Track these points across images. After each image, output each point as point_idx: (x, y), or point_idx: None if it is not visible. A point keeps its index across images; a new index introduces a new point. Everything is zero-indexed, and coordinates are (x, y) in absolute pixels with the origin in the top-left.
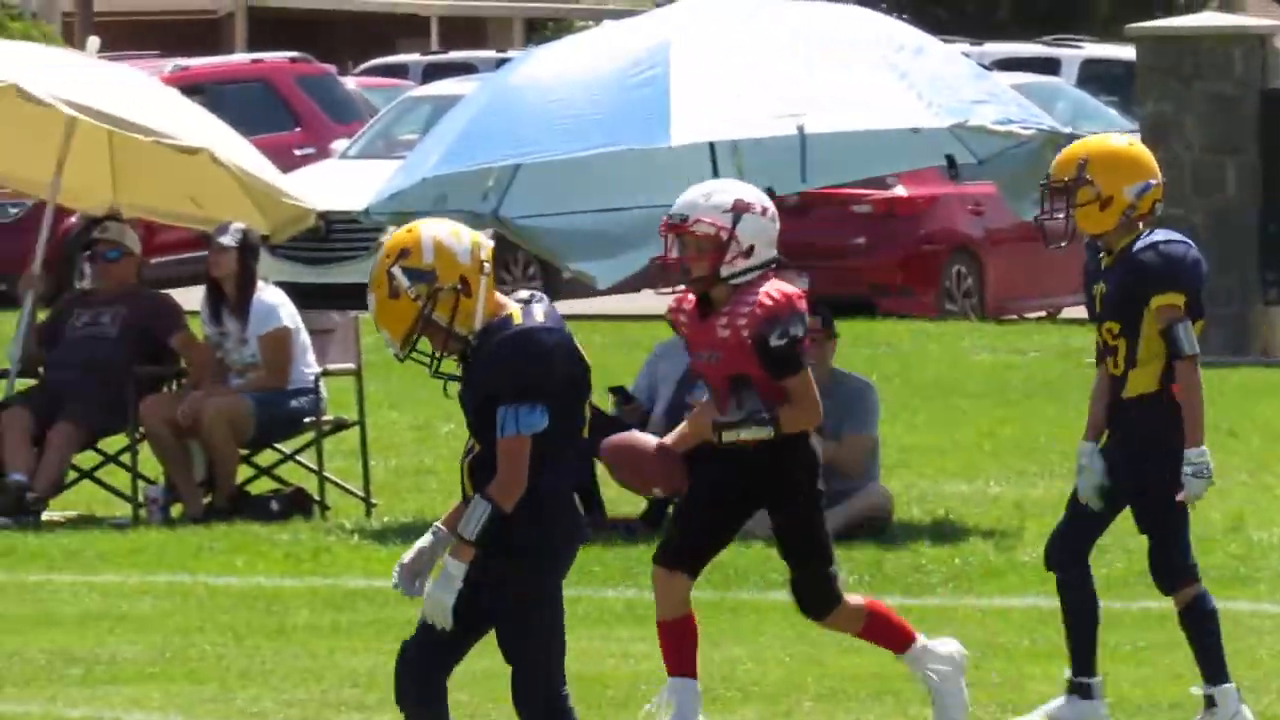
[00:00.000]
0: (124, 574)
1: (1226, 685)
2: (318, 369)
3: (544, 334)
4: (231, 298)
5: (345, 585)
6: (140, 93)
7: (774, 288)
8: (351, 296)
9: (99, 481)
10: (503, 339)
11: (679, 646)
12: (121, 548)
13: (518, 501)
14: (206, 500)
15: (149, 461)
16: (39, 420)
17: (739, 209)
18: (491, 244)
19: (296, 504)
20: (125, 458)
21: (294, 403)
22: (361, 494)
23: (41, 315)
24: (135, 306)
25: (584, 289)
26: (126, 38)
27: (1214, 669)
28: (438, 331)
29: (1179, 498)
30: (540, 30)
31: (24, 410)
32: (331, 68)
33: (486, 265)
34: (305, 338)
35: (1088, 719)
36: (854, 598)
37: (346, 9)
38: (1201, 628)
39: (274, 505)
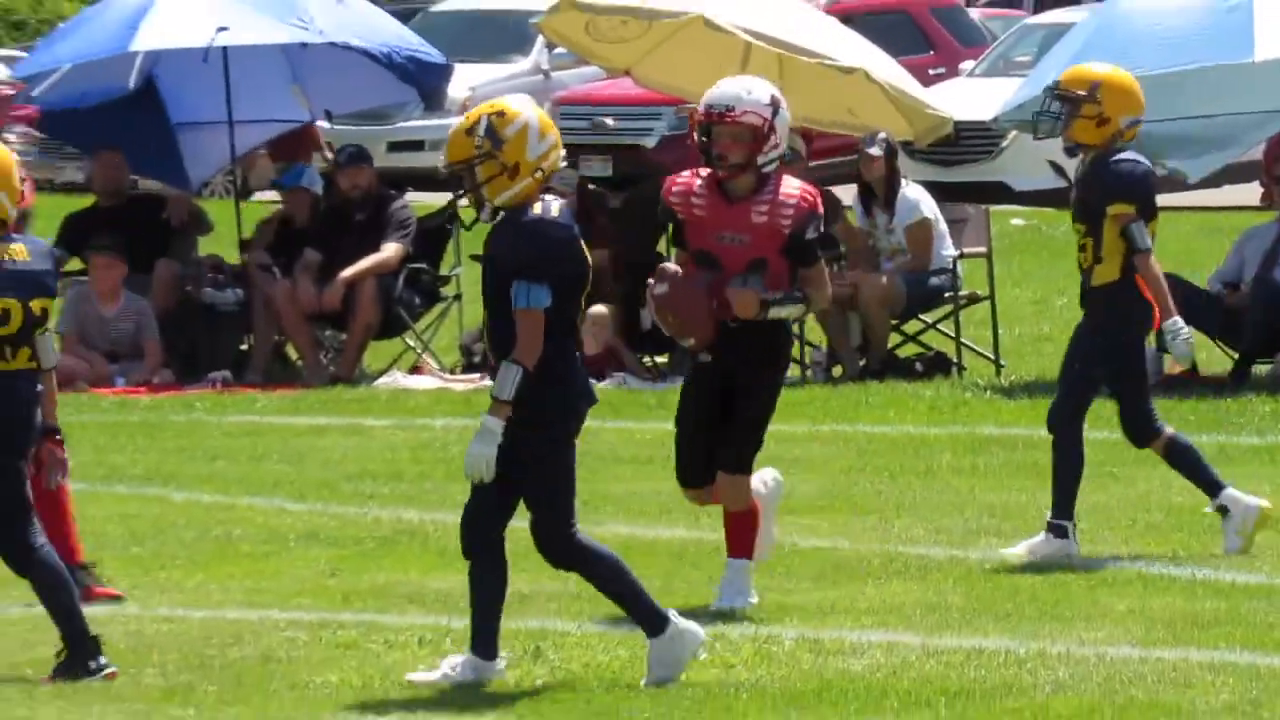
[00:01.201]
0: (793, 424)
1: (1227, 490)
2: (954, 252)
3: (553, 226)
4: (880, 195)
5: (980, 432)
6: (805, 22)
7: (804, 186)
8: (980, 192)
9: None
10: (521, 223)
11: (734, 532)
12: (790, 401)
13: (537, 372)
14: (862, 362)
15: (814, 329)
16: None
17: (776, 104)
18: (564, 163)
19: (938, 365)
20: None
21: (934, 280)
22: (992, 357)
23: None
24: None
25: (1176, 184)
26: None
27: (1211, 486)
28: (472, 182)
29: (1169, 368)
30: None
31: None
32: (959, 0)
33: (542, 171)
34: (943, 226)
35: (1060, 554)
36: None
37: None
38: (1185, 459)
39: (918, 366)
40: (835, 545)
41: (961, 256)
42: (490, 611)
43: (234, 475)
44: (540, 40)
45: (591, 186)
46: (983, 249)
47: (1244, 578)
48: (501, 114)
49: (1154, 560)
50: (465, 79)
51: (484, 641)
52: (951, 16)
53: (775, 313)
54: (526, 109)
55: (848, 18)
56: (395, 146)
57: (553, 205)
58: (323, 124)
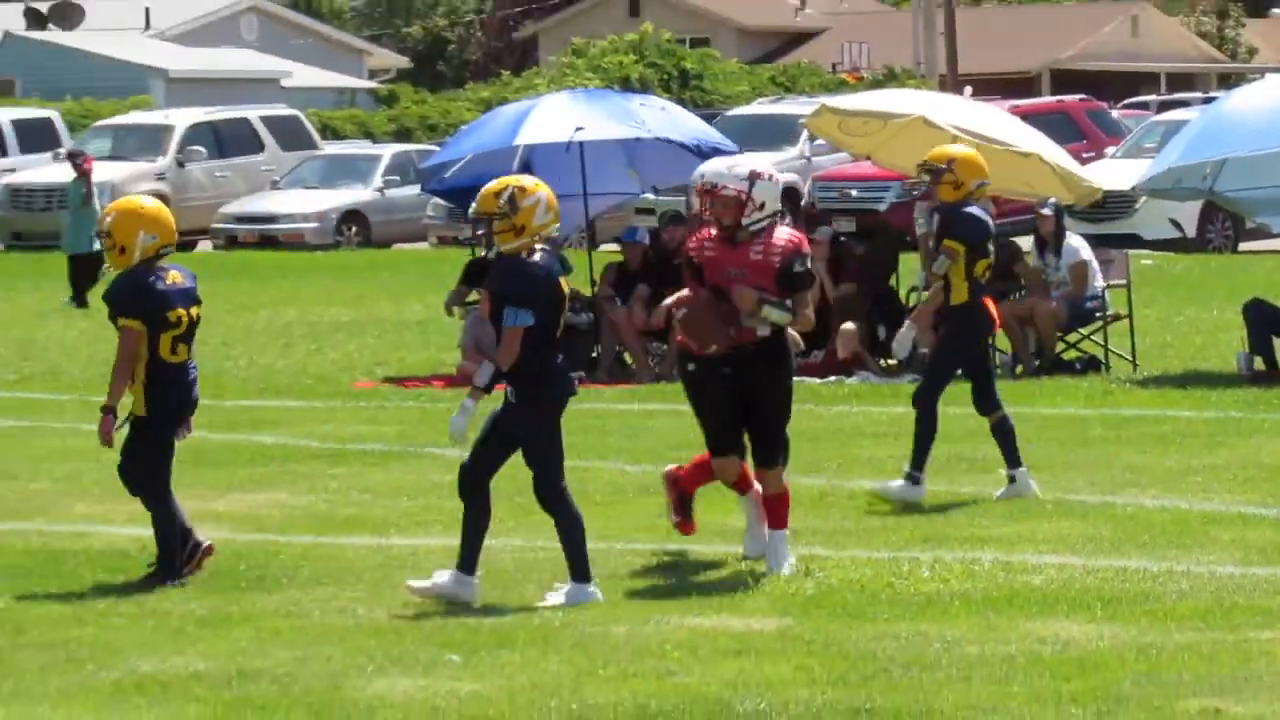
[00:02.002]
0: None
1: (1023, 469)
2: (1103, 284)
3: (535, 267)
4: (1050, 243)
5: (1122, 413)
6: (995, 120)
7: (791, 233)
8: (1121, 240)
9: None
10: (514, 262)
11: (774, 510)
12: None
13: (525, 371)
14: (1036, 363)
15: (1003, 340)
16: None
17: (753, 178)
18: (555, 231)
19: (1091, 365)
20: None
21: (1088, 304)
22: (1130, 359)
23: None
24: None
25: (1264, 233)
26: (983, 85)
27: (1014, 460)
28: (487, 229)
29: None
30: (1227, 80)
31: None
32: (1104, 104)
33: (541, 236)
34: (1095, 265)
35: (910, 499)
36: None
37: (1113, 69)
38: (1005, 434)
39: (1077, 366)
40: (988, 492)
41: (1108, 287)
42: (476, 540)
43: (586, 445)
44: (805, 134)
45: (842, 239)
46: (1123, 281)
47: None
48: (523, 189)
49: (1250, 504)
50: (751, 163)
51: (468, 561)
52: (1099, 116)
53: (767, 312)
54: (541, 190)
55: (1025, 116)
56: None
57: (537, 253)
58: (649, 195)
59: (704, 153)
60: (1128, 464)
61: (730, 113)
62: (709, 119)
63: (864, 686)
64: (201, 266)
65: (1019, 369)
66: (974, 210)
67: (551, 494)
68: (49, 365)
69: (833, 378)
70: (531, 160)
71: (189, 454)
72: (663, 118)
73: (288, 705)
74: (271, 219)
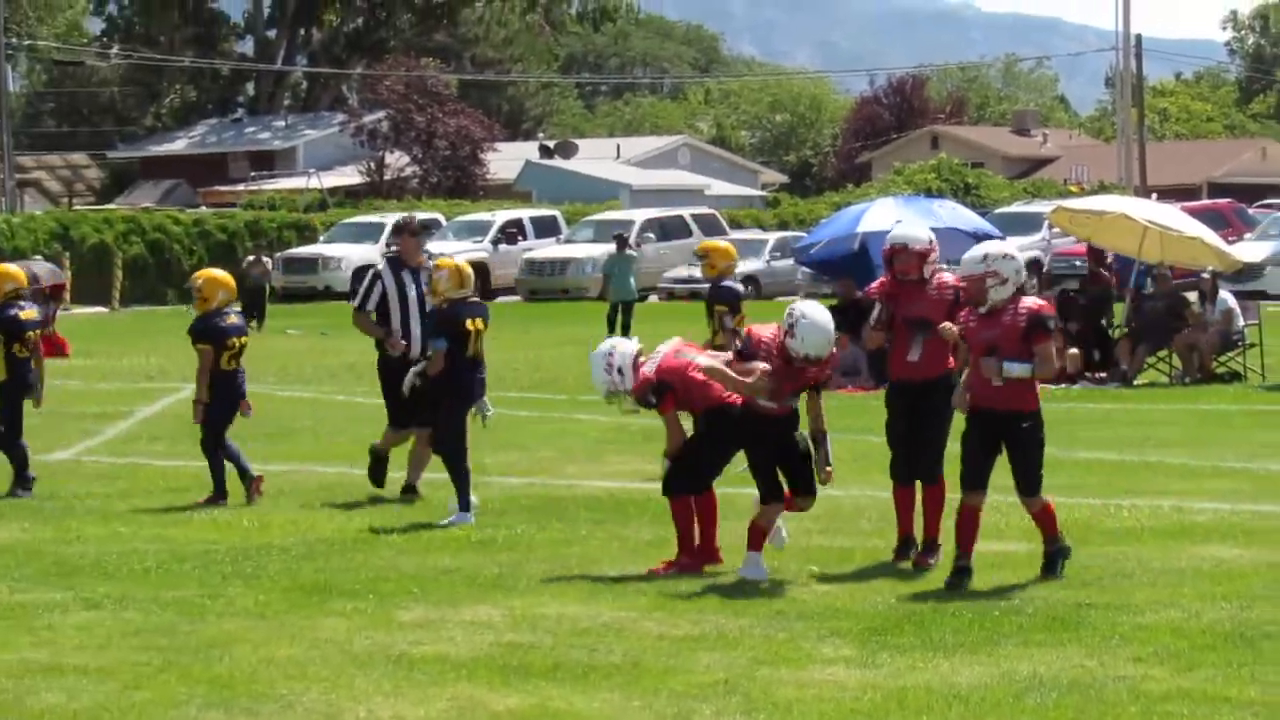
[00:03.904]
0: (1169, 404)
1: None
2: (1243, 324)
3: (448, 311)
4: (1208, 295)
5: (1255, 408)
6: (1172, 215)
7: (954, 280)
8: (1255, 295)
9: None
10: (435, 310)
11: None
12: (1166, 395)
13: (445, 372)
14: (1199, 375)
15: (1175, 358)
16: None
17: (932, 240)
18: (468, 285)
19: (1235, 377)
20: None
21: (1234, 337)
22: (1260, 371)
23: None
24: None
25: None
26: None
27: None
28: (433, 290)
29: None
30: None
31: None
32: (1243, 205)
33: (465, 289)
34: (1238, 311)
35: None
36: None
37: (1249, 182)
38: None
39: (1225, 377)
40: (1167, 460)
41: (1246, 325)
42: (464, 486)
43: None
44: (1046, 223)
45: (1069, 295)
46: (1255, 321)
47: None
48: (438, 266)
49: None
50: (1008, 245)
51: (463, 497)
52: (1240, 213)
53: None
54: (459, 262)
55: (1192, 213)
56: None
57: (459, 303)
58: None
59: (978, 236)
60: (1260, 441)
61: (998, 210)
62: (983, 215)
63: (1084, 589)
64: (652, 312)
65: (1186, 379)
66: (728, 284)
67: (454, 447)
68: (551, 376)
69: (1063, 385)
70: (868, 243)
71: (639, 432)
72: (953, 213)
73: (705, 597)
74: (695, 280)
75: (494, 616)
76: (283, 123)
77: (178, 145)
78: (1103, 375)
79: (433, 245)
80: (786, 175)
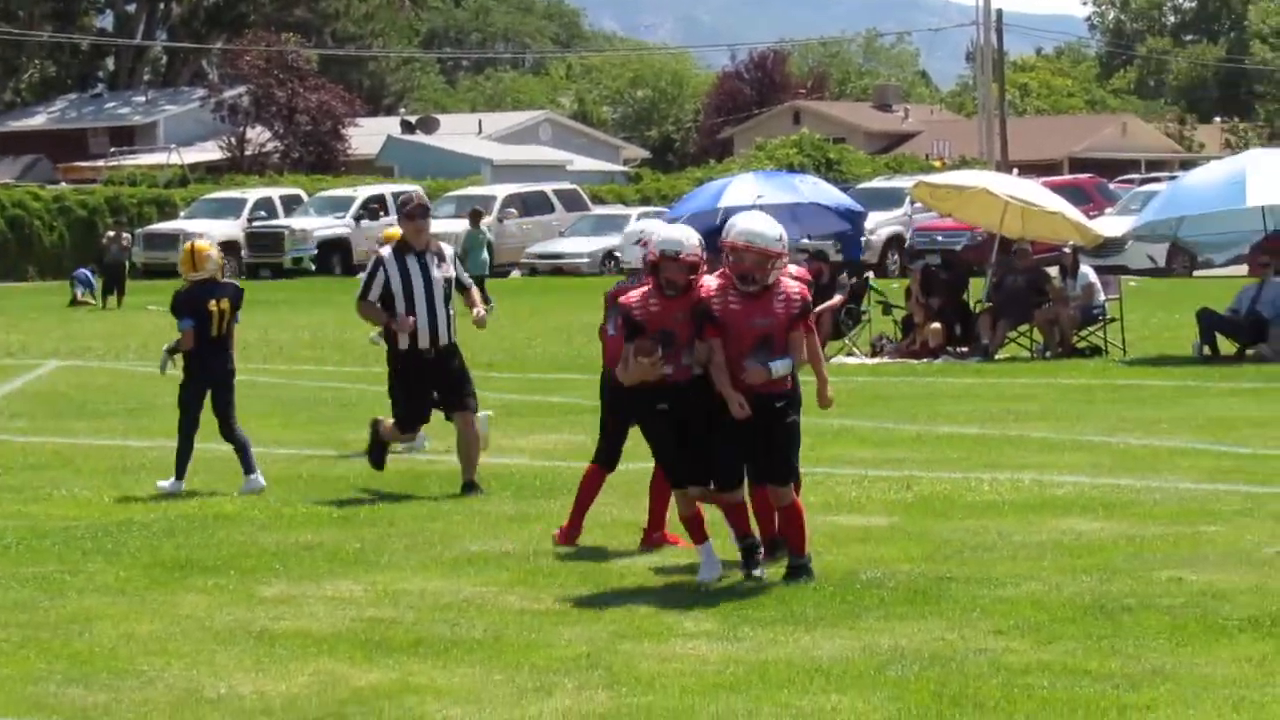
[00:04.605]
0: (1034, 378)
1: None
2: (1104, 298)
3: (188, 291)
4: (1069, 270)
5: (1115, 382)
6: (1034, 190)
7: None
8: (1115, 270)
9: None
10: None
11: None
12: (1029, 369)
13: (190, 352)
14: (1060, 350)
15: (1038, 333)
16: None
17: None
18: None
19: (1095, 352)
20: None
21: (1094, 311)
22: (1121, 346)
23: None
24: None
25: (1208, 264)
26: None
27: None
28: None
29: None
30: (1185, 165)
31: None
32: (1104, 180)
33: (202, 271)
34: (1099, 285)
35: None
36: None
37: (1110, 157)
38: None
39: (1086, 352)
40: (1029, 434)
41: (1107, 300)
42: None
43: None
44: (908, 199)
45: (931, 268)
46: (1116, 296)
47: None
48: (192, 248)
49: (1201, 441)
50: (871, 222)
51: (179, 467)
52: (1101, 188)
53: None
54: (192, 247)
55: (1053, 188)
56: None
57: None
58: (804, 240)
59: (841, 212)
60: (1119, 416)
61: (859, 185)
62: (845, 190)
63: (945, 562)
64: (513, 288)
65: (1048, 354)
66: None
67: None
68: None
69: (925, 359)
70: (730, 217)
71: (501, 408)
72: (815, 189)
73: (567, 572)
74: (559, 256)
75: (355, 592)
76: (143, 98)
77: (37, 120)
78: (964, 350)
79: (292, 221)
80: (649, 151)
